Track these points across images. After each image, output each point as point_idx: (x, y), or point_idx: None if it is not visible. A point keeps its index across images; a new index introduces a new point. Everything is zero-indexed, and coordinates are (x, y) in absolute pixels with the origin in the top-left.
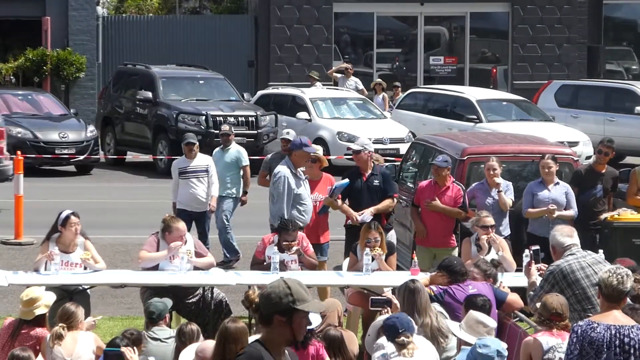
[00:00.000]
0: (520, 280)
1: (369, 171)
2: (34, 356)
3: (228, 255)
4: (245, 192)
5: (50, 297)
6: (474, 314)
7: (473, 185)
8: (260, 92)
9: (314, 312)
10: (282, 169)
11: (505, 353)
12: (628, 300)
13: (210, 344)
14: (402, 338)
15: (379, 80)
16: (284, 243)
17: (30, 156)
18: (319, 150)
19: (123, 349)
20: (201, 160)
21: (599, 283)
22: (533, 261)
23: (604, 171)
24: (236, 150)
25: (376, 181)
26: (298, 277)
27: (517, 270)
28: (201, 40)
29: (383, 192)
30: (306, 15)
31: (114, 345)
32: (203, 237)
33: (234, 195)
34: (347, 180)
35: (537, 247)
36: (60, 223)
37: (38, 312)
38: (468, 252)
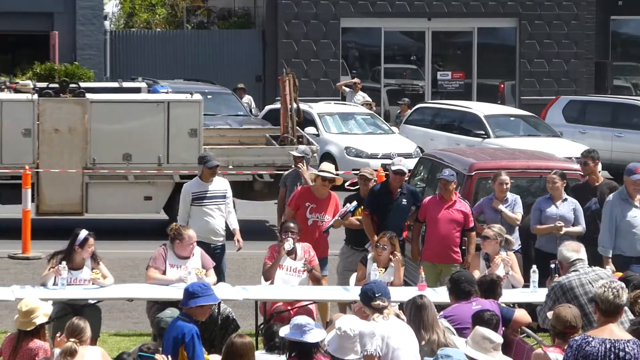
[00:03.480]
0: (528, 295)
1: (399, 190)
2: None
3: None
4: None
5: (48, 307)
6: (480, 329)
7: (481, 200)
8: (267, 107)
9: None
10: (612, 196)
11: None
12: (630, 315)
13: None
14: (378, 302)
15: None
16: (287, 234)
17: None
18: (331, 169)
19: (157, 356)
20: (219, 184)
21: (595, 298)
22: (557, 275)
23: (597, 184)
24: None
25: (404, 200)
26: (305, 292)
27: (524, 286)
28: (209, 55)
29: (409, 211)
30: (314, 30)
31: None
32: (221, 275)
33: None
34: (355, 203)
35: None
36: (79, 243)
37: (38, 321)
38: (477, 267)
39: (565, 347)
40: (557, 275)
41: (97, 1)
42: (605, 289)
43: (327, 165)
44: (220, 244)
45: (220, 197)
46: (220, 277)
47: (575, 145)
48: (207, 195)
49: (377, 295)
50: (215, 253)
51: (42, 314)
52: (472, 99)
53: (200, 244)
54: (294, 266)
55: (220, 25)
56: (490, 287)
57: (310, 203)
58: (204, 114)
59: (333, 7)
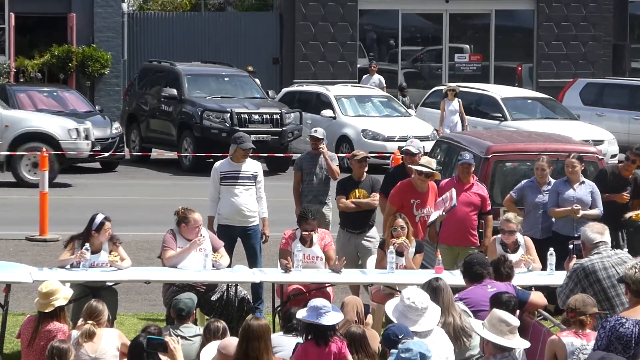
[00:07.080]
0: (544, 278)
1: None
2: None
3: None
4: None
5: (68, 290)
6: (497, 312)
7: (523, 182)
8: (284, 90)
9: None
10: None
11: (430, 354)
12: None
13: (232, 341)
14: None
15: (452, 85)
16: (304, 233)
17: (56, 152)
18: (432, 163)
19: (167, 338)
20: (250, 165)
21: (626, 280)
22: (575, 256)
23: (630, 177)
24: None
25: None
26: (320, 276)
27: (542, 270)
28: (226, 37)
29: None
30: (331, 12)
31: (137, 342)
32: (254, 259)
33: None
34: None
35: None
36: (95, 228)
37: (57, 303)
38: (494, 252)
39: (588, 331)
40: (574, 256)
41: None
42: (636, 270)
43: (426, 160)
44: (253, 225)
45: (250, 178)
46: (256, 260)
47: (593, 128)
48: (236, 175)
49: (400, 337)
50: (248, 234)
51: (62, 297)
52: (489, 81)
53: (226, 228)
54: (315, 254)
55: (238, 8)
56: (496, 267)
57: (415, 199)
58: (221, 97)
59: None
